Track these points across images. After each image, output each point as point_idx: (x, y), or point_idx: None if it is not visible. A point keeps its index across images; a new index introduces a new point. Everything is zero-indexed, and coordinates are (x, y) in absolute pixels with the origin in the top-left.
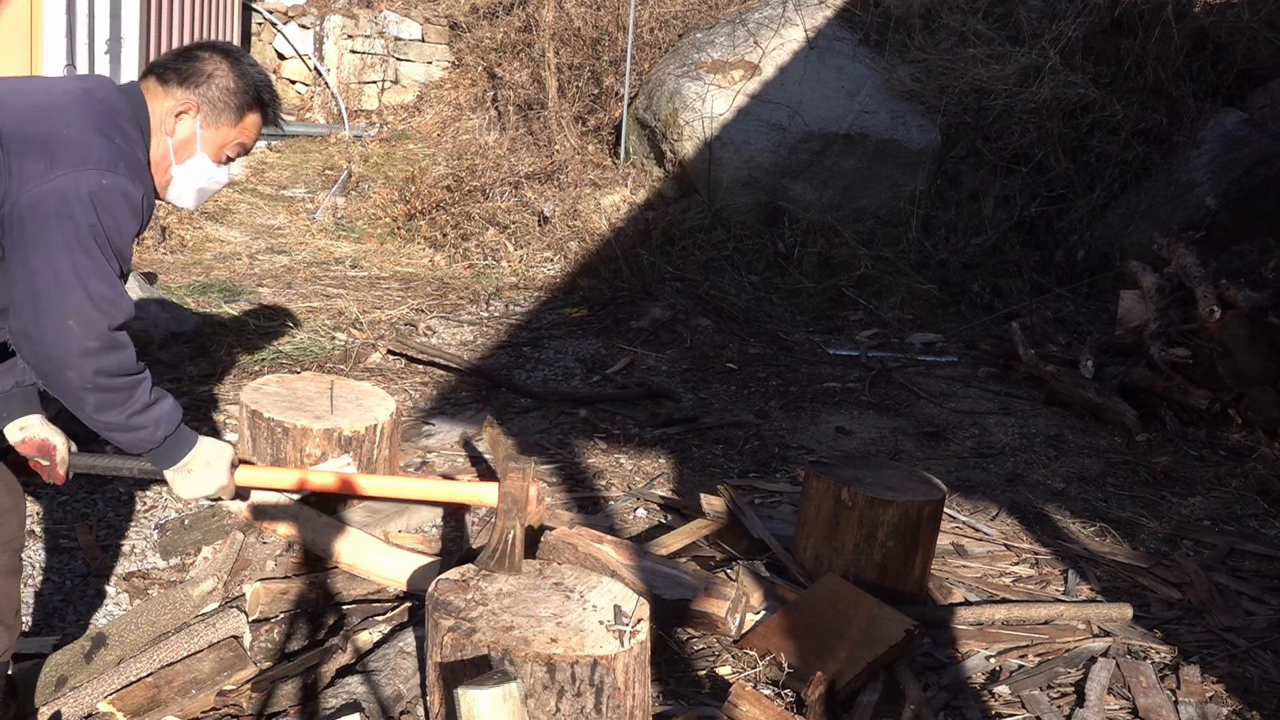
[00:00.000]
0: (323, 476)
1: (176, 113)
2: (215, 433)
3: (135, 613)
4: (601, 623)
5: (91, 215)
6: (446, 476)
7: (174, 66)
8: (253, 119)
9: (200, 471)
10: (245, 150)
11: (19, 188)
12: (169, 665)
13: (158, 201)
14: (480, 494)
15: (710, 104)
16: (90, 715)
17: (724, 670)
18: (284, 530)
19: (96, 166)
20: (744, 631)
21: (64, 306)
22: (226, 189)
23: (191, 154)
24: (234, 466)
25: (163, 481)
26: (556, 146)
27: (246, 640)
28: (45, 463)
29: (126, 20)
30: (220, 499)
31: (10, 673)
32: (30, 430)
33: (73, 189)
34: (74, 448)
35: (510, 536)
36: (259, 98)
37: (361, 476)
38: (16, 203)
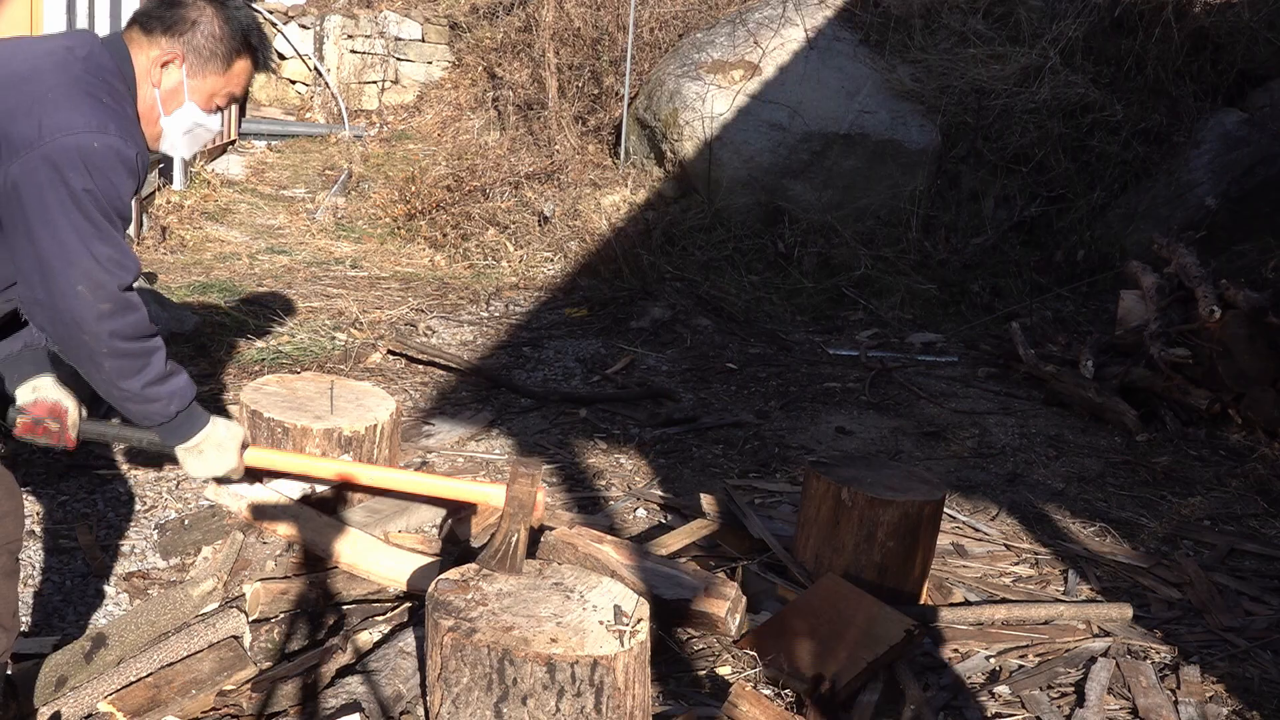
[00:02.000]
0: (330, 464)
1: (162, 62)
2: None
3: (135, 613)
4: (601, 623)
5: (86, 179)
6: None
7: (157, 14)
8: (242, 65)
9: (211, 453)
10: (235, 99)
11: (10, 157)
12: (169, 665)
13: (160, 200)
14: (487, 494)
15: (710, 104)
16: (90, 715)
17: (724, 670)
18: (284, 530)
19: (86, 129)
20: (744, 631)
21: (71, 273)
22: (227, 189)
23: (180, 104)
24: (244, 448)
25: (172, 458)
26: (556, 146)
27: (246, 640)
28: (55, 426)
29: (126, 19)
30: (229, 480)
31: (10, 673)
32: (43, 391)
33: (64, 154)
34: (85, 413)
35: (514, 540)
36: (247, 42)
37: (369, 467)
38: (9, 173)
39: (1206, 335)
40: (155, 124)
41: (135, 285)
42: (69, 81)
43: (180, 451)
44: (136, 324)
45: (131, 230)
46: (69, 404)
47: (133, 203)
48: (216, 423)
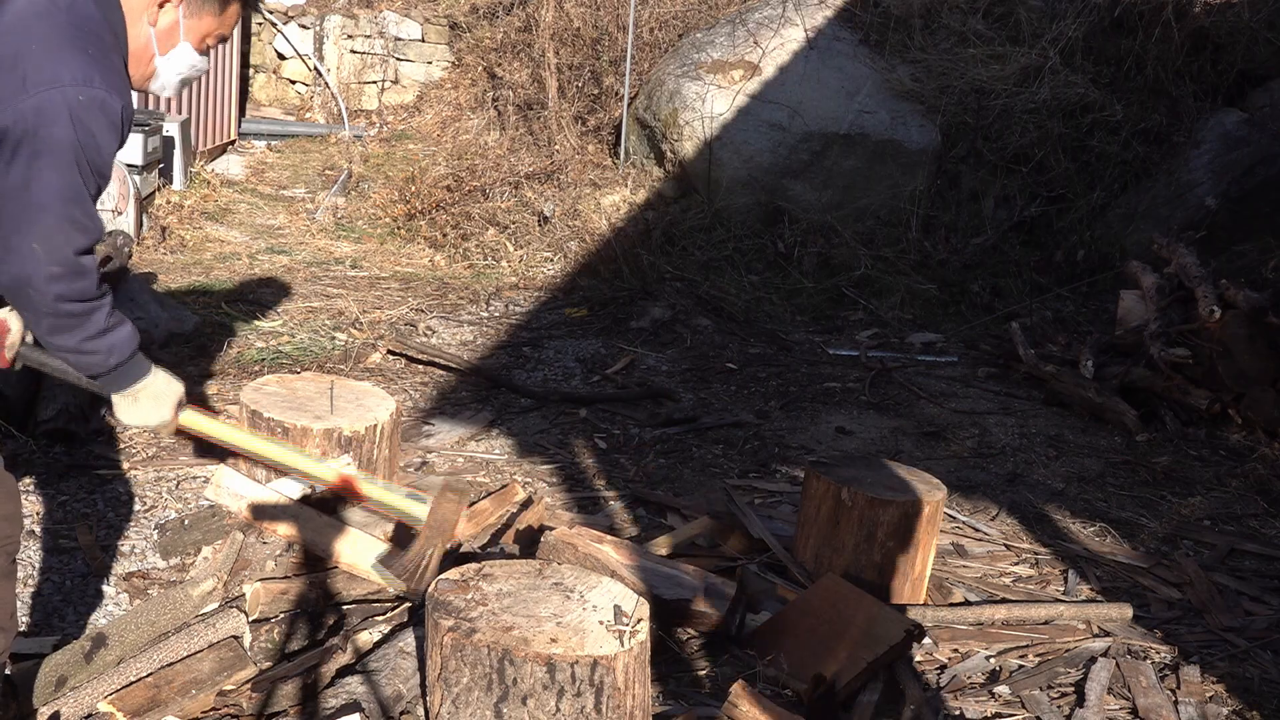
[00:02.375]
0: (266, 444)
1: (159, 2)
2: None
3: (135, 613)
4: (601, 623)
5: (70, 133)
6: (415, 491)
7: None
8: (234, 7)
9: (146, 403)
10: (224, 40)
11: None
12: (169, 665)
13: (160, 200)
14: (410, 509)
15: (710, 104)
16: (90, 715)
17: (724, 670)
18: (284, 530)
19: (71, 83)
20: (744, 631)
21: (31, 229)
22: (227, 189)
23: (175, 44)
24: (180, 406)
25: (107, 399)
26: (556, 146)
27: (246, 640)
28: None
29: None
30: (157, 433)
31: (9, 673)
32: None
33: (49, 108)
34: (30, 339)
35: (428, 556)
36: None
37: (306, 458)
38: None
39: (1206, 335)
40: (148, 64)
41: (94, 249)
42: (52, 32)
43: (115, 398)
44: (84, 290)
45: (131, 230)
46: (14, 324)
47: (114, 165)
48: (158, 374)
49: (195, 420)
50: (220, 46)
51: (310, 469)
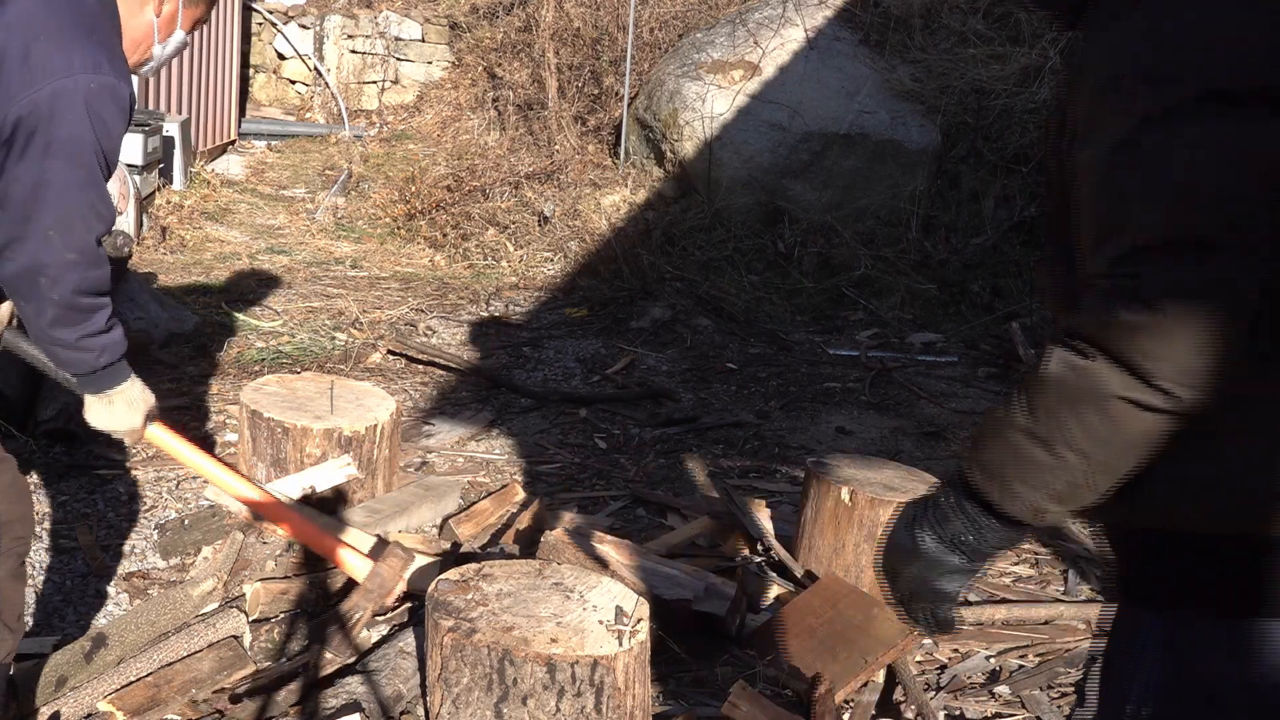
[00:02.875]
0: (229, 478)
1: None
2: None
3: (135, 613)
4: (601, 623)
5: (85, 120)
6: (374, 547)
7: None
8: None
9: (120, 408)
10: (205, 23)
11: (7, 102)
12: (169, 665)
13: (160, 200)
14: (354, 564)
15: (710, 104)
16: (90, 715)
17: (724, 670)
18: (284, 530)
19: (83, 70)
20: (744, 631)
21: (46, 216)
22: (227, 189)
23: (173, 31)
24: (150, 417)
25: (78, 396)
26: (556, 146)
27: (246, 640)
28: None
29: None
30: (123, 441)
31: (11, 673)
32: None
33: (63, 97)
34: (15, 323)
35: (357, 616)
36: None
37: (263, 496)
38: (5, 116)
39: None
40: (147, 51)
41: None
42: (60, 23)
43: (90, 399)
44: (98, 281)
45: (131, 229)
46: (2, 307)
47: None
48: (135, 382)
49: (160, 436)
50: (218, 44)
51: (273, 513)
